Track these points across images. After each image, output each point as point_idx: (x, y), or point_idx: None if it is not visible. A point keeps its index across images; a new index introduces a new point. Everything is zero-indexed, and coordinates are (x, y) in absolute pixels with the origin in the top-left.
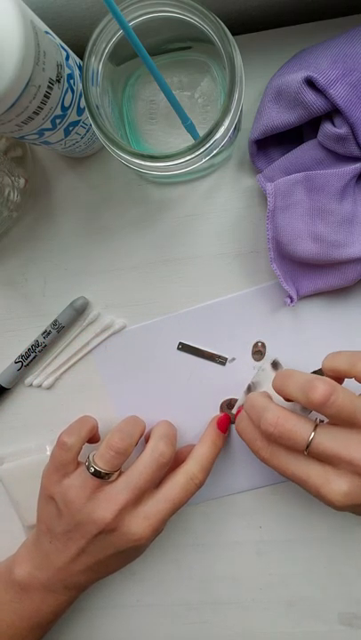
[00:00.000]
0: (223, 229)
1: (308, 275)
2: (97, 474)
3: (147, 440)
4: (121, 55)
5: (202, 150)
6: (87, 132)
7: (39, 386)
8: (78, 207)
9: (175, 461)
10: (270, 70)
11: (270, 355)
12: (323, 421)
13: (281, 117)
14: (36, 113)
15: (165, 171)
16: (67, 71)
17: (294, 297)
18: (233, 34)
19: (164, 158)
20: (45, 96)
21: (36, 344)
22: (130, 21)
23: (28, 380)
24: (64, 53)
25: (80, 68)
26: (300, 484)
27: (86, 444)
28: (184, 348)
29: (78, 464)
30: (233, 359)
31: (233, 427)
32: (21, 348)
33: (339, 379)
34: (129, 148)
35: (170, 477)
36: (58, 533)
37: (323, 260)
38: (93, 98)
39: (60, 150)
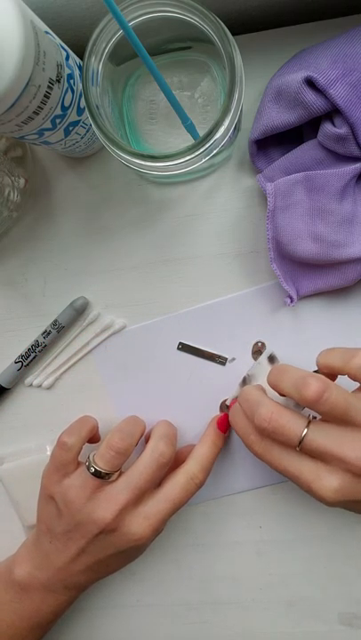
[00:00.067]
0: (223, 229)
1: (308, 275)
2: (97, 474)
3: (147, 440)
4: (121, 55)
5: (202, 150)
6: (87, 132)
7: (39, 386)
8: (78, 207)
9: (175, 461)
10: (270, 70)
11: (268, 348)
12: (315, 417)
13: (281, 117)
14: (36, 113)
15: (165, 171)
16: (67, 71)
17: (294, 297)
18: (233, 34)
19: (164, 158)
20: (45, 96)
21: (36, 344)
22: (130, 21)
23: (28, 380)
24: (64, 53)
25: (80, 68)
26: (292, 480)
27: (86, 444)
28: (184, 348)
29: (78, 464)
30: (233, 359)
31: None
32: (21, 348)
33: (333, 375)
34: (129, 148)
35: (170, 477)
36: (58, 533)
37: (323, 259)
38: (93, 98)
39: (60, 150)
